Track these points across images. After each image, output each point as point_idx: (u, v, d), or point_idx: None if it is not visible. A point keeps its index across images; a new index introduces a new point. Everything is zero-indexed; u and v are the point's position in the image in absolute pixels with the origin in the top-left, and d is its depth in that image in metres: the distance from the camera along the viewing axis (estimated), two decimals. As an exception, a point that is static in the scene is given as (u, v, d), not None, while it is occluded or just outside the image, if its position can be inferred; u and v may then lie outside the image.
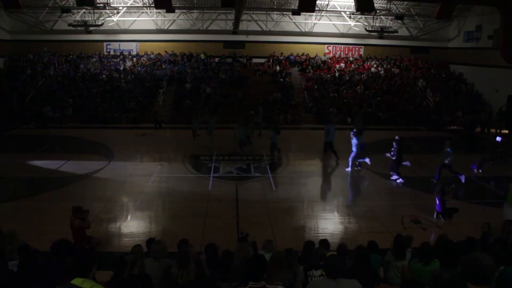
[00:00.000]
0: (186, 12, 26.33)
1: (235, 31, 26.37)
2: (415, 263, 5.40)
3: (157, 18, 26.41)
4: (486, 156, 13.93)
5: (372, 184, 12.74)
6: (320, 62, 27.39)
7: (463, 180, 12.29)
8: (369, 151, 16.24)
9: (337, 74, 26.17)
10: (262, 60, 27.26)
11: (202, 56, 27.10)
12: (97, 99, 22.60)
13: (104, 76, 24.72)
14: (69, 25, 24.06)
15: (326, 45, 28.09)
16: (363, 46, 28.23)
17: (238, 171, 13.43)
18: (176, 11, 25.02)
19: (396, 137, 12.44)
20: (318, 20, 26.87)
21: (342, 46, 28.24)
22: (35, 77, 23.99)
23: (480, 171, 13.62)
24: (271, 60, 27.17)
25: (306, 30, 27.35)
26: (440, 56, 28.24)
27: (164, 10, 24.30)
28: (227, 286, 4.77)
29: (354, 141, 13.33)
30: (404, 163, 12.40)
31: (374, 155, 14.10)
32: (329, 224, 9.68)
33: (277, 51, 27.51)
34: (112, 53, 27.07)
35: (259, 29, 27.21)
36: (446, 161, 12.34)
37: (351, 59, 27.96)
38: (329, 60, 27.64)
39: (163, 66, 26.02)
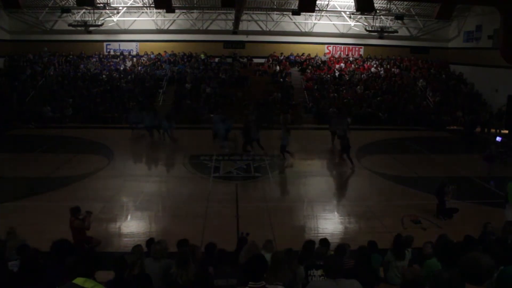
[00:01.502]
0: (186, 12, 26.30)
1: (235, 31, 26.33)
2: (435, 264, 4.72)
3: (157, 18, 26.39)
4: (493, 152, 13.95)
5: (372, 184, 12.73)
6: (320, 62, 27.36)
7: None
8: (369, 151, 16.28)
9: (337, 74, 26.16)
10: (262, 60, 27.24)
11: (202, 56, 27.10)
12: (97, 99, 22.59)
13: (104, 76, 24.70)
14: (69, 25, 24.04)
15: (326, 45, 28.05)
16: (363, 46, 28.20)
17: (238, 171, 13.42)
18: (176, 11, 24.98)
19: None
20: (318, 20, 26.84)
21: (342, 46, 28.20)
22: (35, 77, 23.97)
23: (493, 163, 13.71)
24: (271, 60, 27.17)
25: (306, 30, 27.32)
26: (440, 56, 28.21)
27: (164, 10, 24.24)
28: (224, 282, 4.78)
29: (220, 125, 15.46)
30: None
31: (374, 155, 14.10)
32: (329, 224, 9.67)
33: (277, 51, 27.49)
34: (112, 53, 27.04)
35: (259, 29, 27.19)
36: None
37: (351, 59, 27.93)
38: (329, 60, 27.64)
39: (163, 66, 26.01)
